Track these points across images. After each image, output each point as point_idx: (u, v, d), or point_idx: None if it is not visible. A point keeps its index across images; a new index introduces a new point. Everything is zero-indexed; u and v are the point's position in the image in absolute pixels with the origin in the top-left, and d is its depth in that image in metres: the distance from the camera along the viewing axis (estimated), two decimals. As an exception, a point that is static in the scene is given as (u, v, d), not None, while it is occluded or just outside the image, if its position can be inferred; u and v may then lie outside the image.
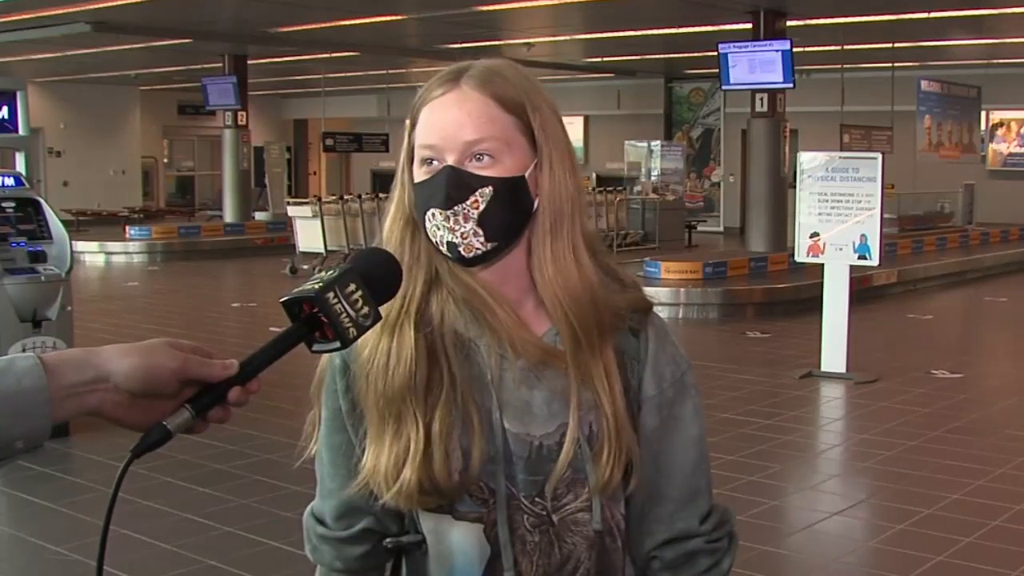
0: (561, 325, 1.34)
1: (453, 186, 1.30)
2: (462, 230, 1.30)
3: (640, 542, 1.42)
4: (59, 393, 0.99)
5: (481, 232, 1.31)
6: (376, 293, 1.12)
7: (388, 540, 1.41)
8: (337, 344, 1.09)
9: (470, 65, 1.36)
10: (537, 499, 1.34)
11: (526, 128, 1.33)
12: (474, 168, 1.31)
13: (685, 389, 1.43)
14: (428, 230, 1.33)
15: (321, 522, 1.43)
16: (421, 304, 1.34)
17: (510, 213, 1.32)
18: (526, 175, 1.33)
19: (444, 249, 1.32)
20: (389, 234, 1.38)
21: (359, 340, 1.30)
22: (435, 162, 1.32)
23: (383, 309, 1.29)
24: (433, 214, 1.31)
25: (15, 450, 0.99)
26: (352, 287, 1.09)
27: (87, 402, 1.02)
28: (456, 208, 1.30)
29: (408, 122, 1.37)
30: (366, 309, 1.10)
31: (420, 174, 1.34)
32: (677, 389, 1.42)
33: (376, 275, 1.14)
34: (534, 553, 1.34)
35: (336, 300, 1.08)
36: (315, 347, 1.10)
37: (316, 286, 1.08)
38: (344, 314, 1.08)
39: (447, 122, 1.31)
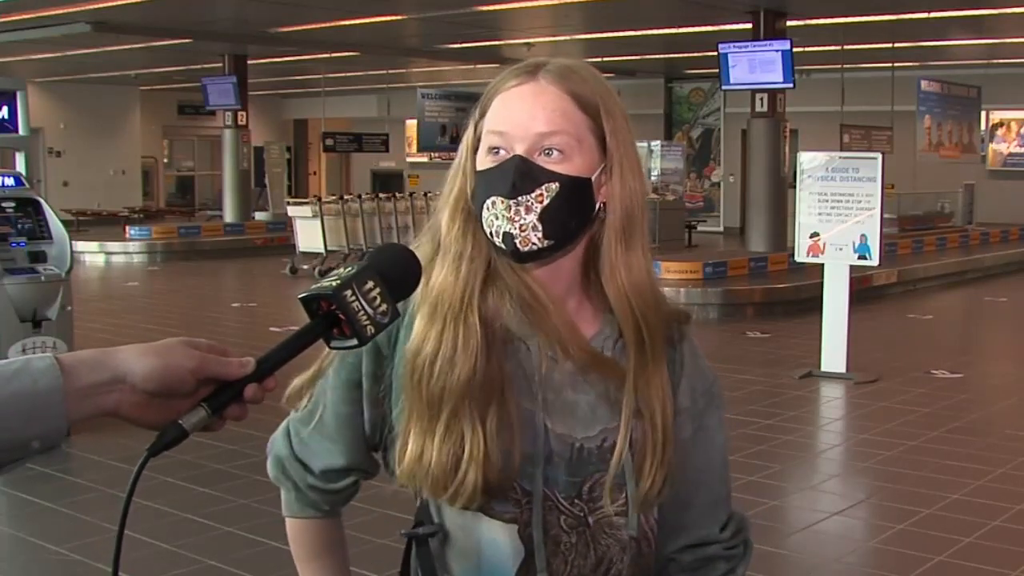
0: (629, 334, 1.34)
1: (520, 176, 1.28)
2: (522, 222, 1.28)
3: (659, 544, 1.43)
4: (76, 394, 0.99)
5: (540, 228, 1.29)
6: (394, 290, 1.12)
7: (403, 531, 1.41)
8: (355, 341, 1.09)
9: (548, 60, 1.34)
10: (576, 500, 1.33)
11: (598, 130, 1.32)
12: (543, 162, 1.29)
13: (713, 399, 1.45)
14: (484, 219, 1.30)
15: (307, 469, 1.43)
16: (480, 297, 1.32)
17: (572, 213, 1.30)
18: (592, 178, 1.31)
19: (499, 240, 1.30)
20: (450, 223, 1.35)
21: (417, 329, 1.29)
22: (502, 151, 1.30)
23: (444, 298, 1.30)
24: (494, 202, 1.29)
25: (31, 450, 0.99)
26: (370, 284, 1.09)
27: (104, 403, 1.02)
28: (520, 199, 1.28)
29: (477, 110, 1.35)
30: (384, 306, 1.10)
31: (486, 162, 1.32)
32: (707, 400, 1.44)
33: (394, 272, 1.14)
34: (569, 553, 1.34)
35: (354, 297, 1.08)
36: (333, 344, 1.10)
37: (334, 283, 1.08)
38: (362, 311, 1.08)
39: (520, 112, 1.30)
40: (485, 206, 1.30)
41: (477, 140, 1.34)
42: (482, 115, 1.34)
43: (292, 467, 1.45)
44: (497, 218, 1.29)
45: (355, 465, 1.42)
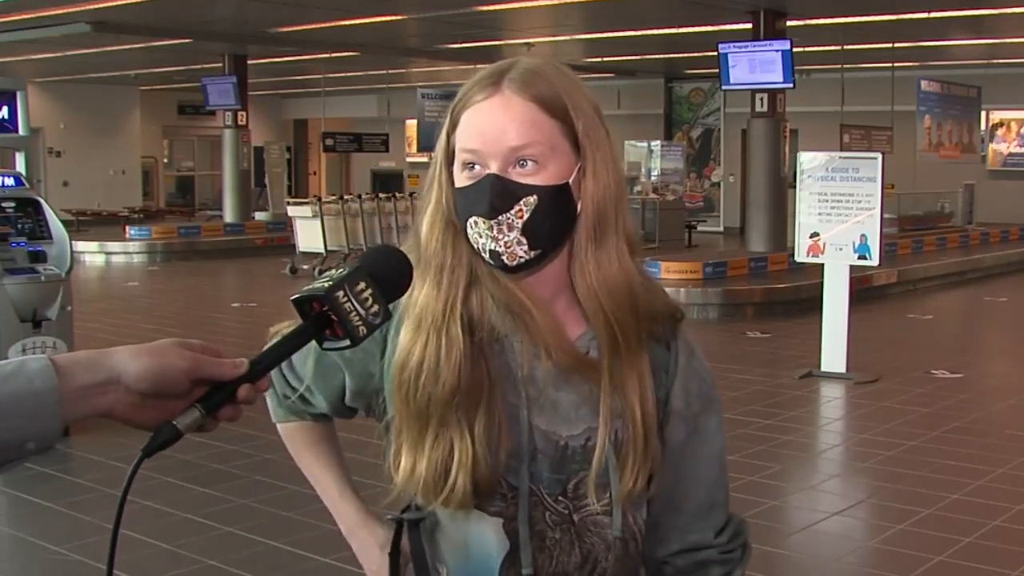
0: (600, 331, 1.33)
1: (497, 195, 1.28)
2: (505, 239, 1.29)
3: (653, 548, 1.43)
4: (71, 395, 1.00)
5: (525, 241, 1.29)
6: (386, 291, 1.12)
7: (389, 515, 1.43)
8: (347, 342, 1.09)
9: (511, 66, 1.33)
10: (560, 497, 1.34)
11: (569, 131, 1.31)
12: (518, 175, 1.28)
13: (710, 403, 1.44)
14: (470, 236, 1.31)
15: (288, 384, 1.48)
16: (464, 304, 1.33)
17: (554, 221, 1.30)
18: (570, 181, 1.31)
19: (487, 257, 1.30)
20: (429, 235, 1.35)
21: (402, 342, 1.30)
22: (477, 167, 1.30)
23: (427, 312, 1.31)
24: (476, 222, 1.29)
25: (26, 451, 0.99)
26: (362, 285, 1.09)
27: (99, 403, 1.02)
28: (500, 218, 1.28)
29: (448, 122, 1.35)
30: (376, 307, 1.10)
31: (462, 179, 1.32)
32: (703, 403, 1.43)
33: (386, 273, 1.14)
34: (554, 550, 1.34)
35: (346, 298, 1.08)
36: (325, 345, 1.11)
37: (326, 284, 1.08)
38: (354, 312, 1.08)
39: (490, 127, 1.29)
40: (468, 224, 1.31)
41: (452, 152, 1.34)
42: (453, 127, 1.33)
43: (276, 377, 1.48)
44: (481, 236, 1.30)
45: (329, 411, 1.48)
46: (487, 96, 1.31)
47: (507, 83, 1.30)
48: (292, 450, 1.58)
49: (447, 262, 1.33)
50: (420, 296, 1.33)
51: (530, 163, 1.28)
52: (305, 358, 1.43)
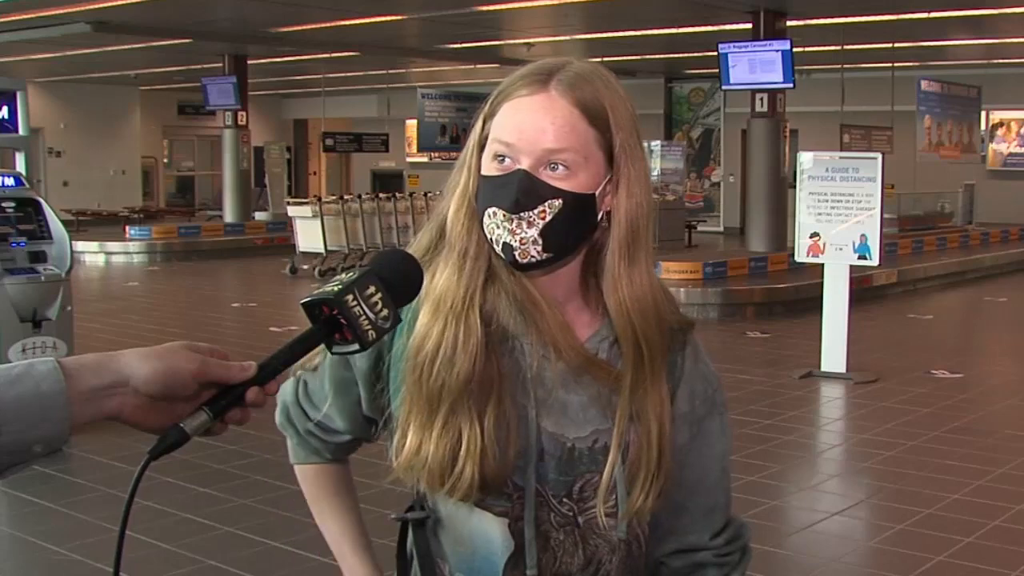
0: (628, 349, 1.33)
1: (524, 192, 1.28)
2: (522, 235, 1.29)
3: (651, 548, 1.43)
4: (78, 397, 1.00)
5: (541, 242, 1.29)
6: (396, 295, 1.12)
7: (393, 515, 1.42)
8: (356, 346, 1.09)
9: (562, 67, 1.32)
10: (565, 499, 1.34)
11: (606, 143, 1.31)
12: (548, 177, 1.28)
13: (715, 406, 1.45)
14: (486, 225, 1.31)
15: (308, 416, 1.48)
16: (481, 295, 1.33)
17: (573, 228, 1.30)
18: (596, 193, 1.31)
19: (499, 249, 1.31)
20: (454, 220, 1.35)
21: (420, 325, 1.30)
22: (507, 160, 1.29)
23: (447, 296, 1.31)
24: (494, 212, 1.29)
25: (34, 454, 0.99)
26: (371, 289, 1.09)
27: (107, 406, 1.02)
28: (522, 214, 1.28)
29: (486, 107, 1.34)
30: (385, 311, 1.10)
31: (491, 168, 1.31)
32: (707, 406, 1.43)
33: (396, 277, 1.14)
34: (558, 550, 1.35)
35: (355, 302, 1.08)
36: (335, 349, 1.11)
37: (335, 288, 1.08)
38: (363, 316, 1.08)
39: (529, 125, 1.28)
40: (487, 213, 1.30)
41: (484, 139, 1.34)
42: (491, 115, 1.33)
43: (295, 412, 1.49)
44: (498, 227, 1.29)
45: (350, 432, 1.47)
46: (532, 92, 1.30)
47: (555, 84, 1.30)
48: (308, 494, 1.57)
49: (470, 248, 1.33)
50: (441, 280, 1.33)
51: (561, 167, 1.28)
52: (322, 381, 1.44)
